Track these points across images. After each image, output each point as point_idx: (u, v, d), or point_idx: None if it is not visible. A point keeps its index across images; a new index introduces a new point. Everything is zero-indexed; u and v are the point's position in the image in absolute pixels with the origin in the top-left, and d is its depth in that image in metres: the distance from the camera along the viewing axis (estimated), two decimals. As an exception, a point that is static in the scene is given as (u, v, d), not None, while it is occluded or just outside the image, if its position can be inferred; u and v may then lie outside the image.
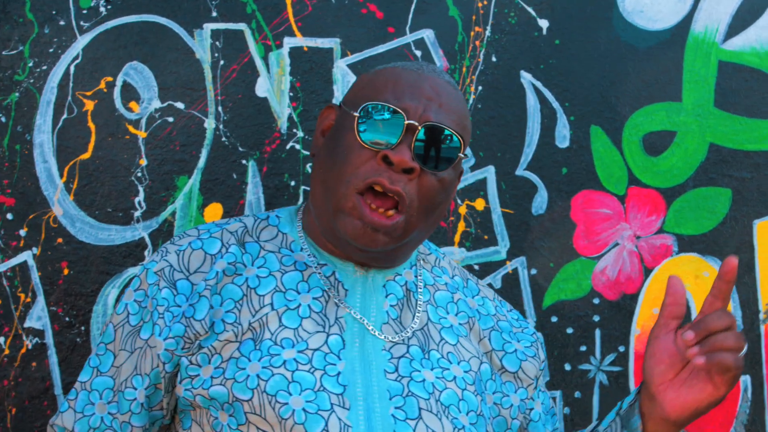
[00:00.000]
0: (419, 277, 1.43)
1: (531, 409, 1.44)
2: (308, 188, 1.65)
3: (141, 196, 1.58)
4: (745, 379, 1.89)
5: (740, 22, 1.92)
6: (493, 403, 1.39)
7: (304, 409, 1.24)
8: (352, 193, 1.28)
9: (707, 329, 1.21)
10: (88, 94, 1.57)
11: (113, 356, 1.34)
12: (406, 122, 1.28)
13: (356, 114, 1.29)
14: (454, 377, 1.34)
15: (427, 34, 1.73)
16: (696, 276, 1.88)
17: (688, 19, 1.89)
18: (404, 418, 1.27)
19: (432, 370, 1.33)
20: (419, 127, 1.28)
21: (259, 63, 1.64)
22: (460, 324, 1.41)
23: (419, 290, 1.41)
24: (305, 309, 1.32)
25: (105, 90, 1.57)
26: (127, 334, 1.33)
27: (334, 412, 1.25)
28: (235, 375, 1.25)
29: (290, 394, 1.24)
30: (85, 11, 1.57)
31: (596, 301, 1.82)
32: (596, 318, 1.82)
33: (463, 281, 1.48)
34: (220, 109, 1.62)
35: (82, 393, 1.34)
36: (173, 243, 1.37)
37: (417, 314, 1.38)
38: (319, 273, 1.36)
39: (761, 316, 1.91)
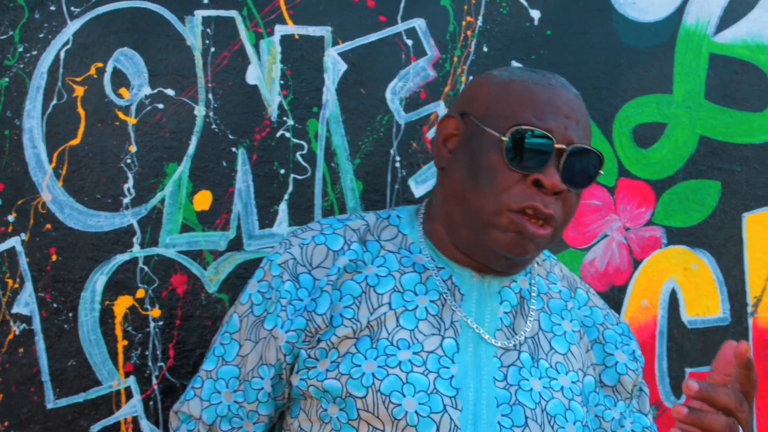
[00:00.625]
0: (533, 285, 1.51)
1: (622, 426, 1.50)
2: (298, 176, 1.73)
3: (130, 183, 1.66)
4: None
5: (732, 14, 2.02)
6: (594, 415, 1.47)
7: (416, 412, 1.32)
8: (504, 211, 1.36)
9: (707, 404, 1.16)
10: (78, 80, 1.64)
11: (238, 346, 1.43)
12: (556, 146, 1.36)
13: (504, 138, 1.36)
14: (561, 387, 1.42)
15: (419, 24, 1.81)
16: (685, 268, 1.97)
17: (680, 11, 1.98)
18: (510, 426, 1.35)
19: (540, 379, 1.41)
20: (566, 150, 1.36)
21: (250, 50, 1.71)
22: (573, 331, 1.50)
23: (533, 298, 1.49)
24: (422, 311, 1.41)
25: (95, 76, 1.64)
26: (251, 324, 1.42)
27: (446, 413, 1.33)
28: (350, 371, 1.34)
29: (404, 396, 1.32)
30: (75, -4, 1.65)
31: (585, 292, 1.91)
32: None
33: (571, 291, 1.56)
34: (210, 96, 1.69)
35: (208, 381, 1.44)
36: (296, 236, 1.46)
37: (529, 322, 1.46)
38: (437, 276, 1.44)
39: (749, 309, 2.02)
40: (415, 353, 1.36)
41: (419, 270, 1.44)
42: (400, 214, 1.52)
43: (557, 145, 1.36)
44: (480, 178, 1.38)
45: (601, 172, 1.43)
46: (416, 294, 1.42)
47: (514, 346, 1.42)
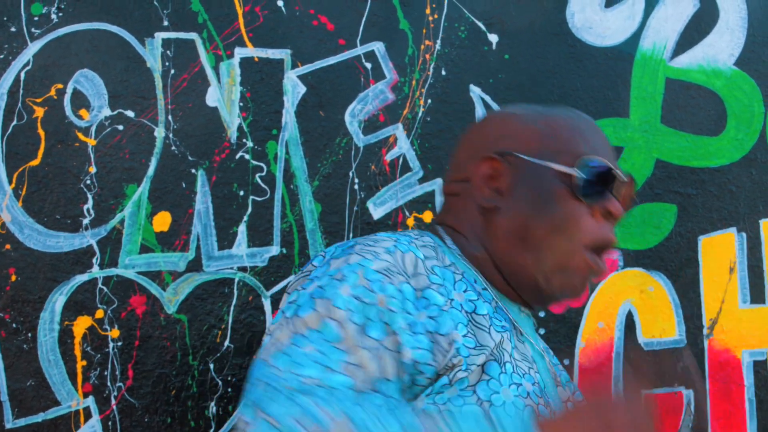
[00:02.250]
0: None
1: None
2: (257, 198, 1.99)
3: (90, 204, 1.90)
4: (688, 393, 2.29)
5: (688, 40, 2.32)
6: None
7: None
8: (579, 249, 1.51)
9: None
10: (39, 100, 1.87)
11: (345, 354, 1.37)
12: (618, 176, 1.55)
13: (574, 172, 1.52)
14: None
15: (378, 47, 2.08)
16: (641, 291, 2.27)
17: (636, 36, 2.28)
18: None
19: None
20: (625, 179, 1.57)
21: (209, 73, 1.97)
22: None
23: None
24: (513, 340, 1.53)
25: (55, 97, 1.89)
26: (355, 332, 1.37)
27: None
28: (491, 397, 1.42)
29: None
30: (36, 18, 1.87)
31: (542, 314, 2.19)
32: (542, 331, 2.17)
33: None
34: (170, 118, 1.95)
35: (321, 390, 1.34)
36: (374, 245, 1.45)
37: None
38: (500, 307, 1.55)
39: (705, 331, 2.32)
40: (532, 384, 1.49)
41: (487, 299, 1.53)
42: (440, 248, 1.56)
43: (617, 173, 1.55)
44: (549, 215, 1.52)
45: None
46: (500, 321, 1.52)
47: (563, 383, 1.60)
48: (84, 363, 1.87)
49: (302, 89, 2.01)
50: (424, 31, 2.10)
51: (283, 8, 1.99)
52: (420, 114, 2.08)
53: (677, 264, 2.29)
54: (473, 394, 1.42)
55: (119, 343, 1.89)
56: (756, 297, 2.33)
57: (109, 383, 1.88)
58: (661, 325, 2.27)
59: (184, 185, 1.93)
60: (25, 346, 1.85)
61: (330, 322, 1.40)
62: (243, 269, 1.95)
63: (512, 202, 1.56)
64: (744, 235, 2.33)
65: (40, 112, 1.87)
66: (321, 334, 1.39)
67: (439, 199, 2.09)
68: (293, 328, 1.40)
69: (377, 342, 1.38)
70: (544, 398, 1.51)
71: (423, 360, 1.39)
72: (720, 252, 2.32)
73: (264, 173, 1.98)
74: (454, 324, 1.43)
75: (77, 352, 1.87)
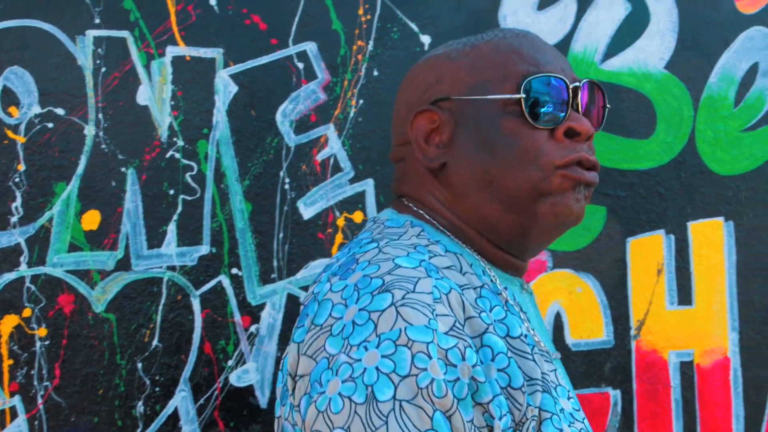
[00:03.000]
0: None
1: None
2: (187, 197, 2.14)
3: (18, 202, 2.02)
4: (615, 394, 2.48)
5: (619, 43, 2.50)
6: None
7: None
8: (552, 172, 1.42)
9: None
10: (-34, 97, 2.02)
11: None
12: (571, 86, 1.44)
13: (521, 96, 1.42)
14: None
15: (310, 47, 2.23)
16: (569, 292, 2.45)
17: (568, 38, 2.45)
18: None
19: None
20: (580, 85, 1.46)
21: (141, 71, 2.11)
22: None
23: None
24: (535, 344, 1.43)
25: (-17, 94, 2.03)
26: (463, 419, 1.25)
27: None
28: None
29: None
30: (-36, 13, 2.01)
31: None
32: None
33: None
34: (100, 116, 2.07)
35: None
36: (417, 292, 1.29)
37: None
38: (506, 296, 1.47)
39: (632, 332, 2.51)
40: (568, 398, 1.45)
41: (496, 293, 1.46)
42: (426, 230, 1.50)
43: (572, 85, 1.45)
44: (505, 153, 1.43)
45: (609, 105, 1.53)
46: (519, 327, 1.42)
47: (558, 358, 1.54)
48: (11, 362, 1.99)
49: (234, 88, 2.15)
50: (356, 31, 2.26)
51: (215, 7, 2.13)
52: (351, 114, 2.24)
53: (606, 265, 2.47)
54: None
55: (47, 342, 2.01)
56: (683, 299, 2.53)
57: (35, 382, 2.01)
58: (589, 326, 2.46)
59: (113, 184, 2.06)
60: (-49, 344, 1.97)
61: (439, 416, 1.22)
62: (172, 268, 2.09)
63: (460, 151, 1.48)
64: (672, 237, 2.52)
65: (-33, 108, 1.99)
66: (419, 420, 1.21)
67: (370, 200, 2.25)
68: (379, 415, 1.20)
69: (470, 423, 1.26)
70: (579, 409, 1.46)
71: (506, 426, 1.29)
72: (648, 254, 2.51)
73: (194, 172, 2.12)
74: (518, 366, 1.33)
75: (4, 351, 1.99)
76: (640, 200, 2.50)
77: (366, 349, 1.24)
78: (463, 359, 1.26)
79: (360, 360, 1.23)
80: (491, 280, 1.47)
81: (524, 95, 1.43)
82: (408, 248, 1.39)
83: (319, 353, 1.30)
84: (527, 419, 1.31)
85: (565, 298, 2.43)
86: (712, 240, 2.56)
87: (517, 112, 1.45)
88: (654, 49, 2.52)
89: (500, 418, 1.28)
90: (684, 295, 2.53)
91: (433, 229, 1.50)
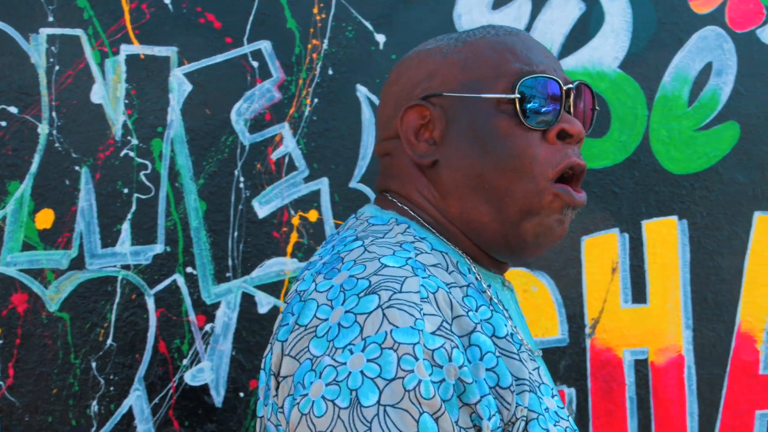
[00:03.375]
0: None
1: None
2: (141, 196, 2.21)
3: (-30, 201, 2.10)
4: (570, 392, 2.58)
5: (573, 42, 2.59)
6: None
7: None
8: (545, 186, 1.44)
9: None
10: None
11: None
12: (564, 87, 1.46)
13: (513, 97, 1.44)
14: None
15: (265, 46, 2.30)
16: (524, 290, 2.54)
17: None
18: None
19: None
20: (573, 87, 1.48)
21: (95, 69, 2.17)
22: None
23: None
24: (521, 342, 1.45)
25: (-65, 92, 2.09)
26: (451, 419, 1.27)
27: None
28: None
29: None
30: None
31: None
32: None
33: None
34: (54, 114, 2.14)
35: None
36: (403, 291, 1.30)
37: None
38: (491, 296, 1.48)
39: (587, 330, 2.61)
40: (552, 397, 1.46)
41: (481, 291, 1.48)
42: (414, 229, 1.50)
43: (565, 87, 1.47)
44: (498, 154, 1.45)
45: (598, 108, 1.57)
46: (505, 325, 1.44)
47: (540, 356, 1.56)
48: (-36, 361, 2.06)
49: (188, 87, 2.22)
50: (311, 30, 2.34)
51: (169, 5, 2.21)
52: (306, 113, 2.32)
53: (560, 264, 2.57)
54: None
55: (0, 342, 2.08)
56: (637, 297, 2.63)
57: (-11, 381, 2.07)
58: (544, 325, 2.55)
59: (67, 182, 2.13)
60: None
61: (426, 419, 1.24)
62: (126, 267, 2.16)
63: (452, 150, 1.50)
64: (626, 235, 2.63)
65: None
66: (404, 424, 1.23)
67: (325, 199, 2.33)
68: (363, 421, 1.22)
69: (457, 426, 1.27)
70: (564, 406, 1.48)
71: (495, 426, 1.31)
72: (602, 252, 2.62)
73: (149, 171, 2.19)
74: (506, 366, 1.36)
75: (-43, 350, 2.06)
76: (595, 199, 2.60)
77: (351, 352, 1.25)
78: (450, 360, 1.27)
79: (345, 363, 1.25)
80: (476, 279, 1.49)
81: (518, 95, 1.45)
82: (394, 246, 1.40)
83: (303, 354, 1.31)
84: (517, 419, 1.33)
85: (520, 297, 2.53)
86: (666, 238, 2.67)
87: (510, 112, 1.46)
88: (608, 48, 2.62)
89: (489, 419, 1.29)
90: (638, 294, 2.63)
91: (418, 226, 1.51)
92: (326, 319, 1.30)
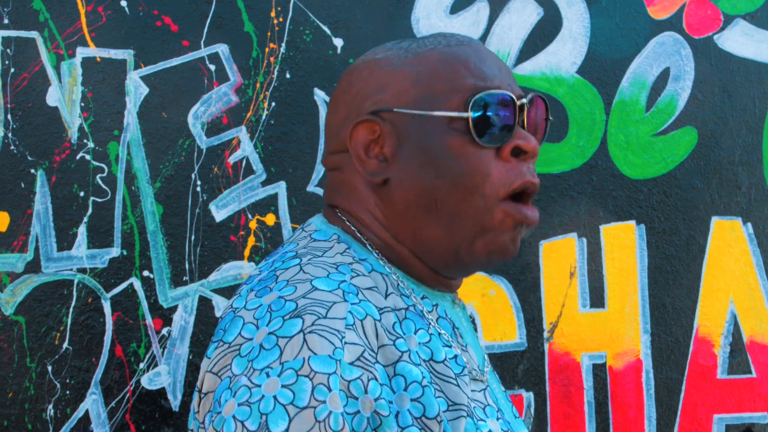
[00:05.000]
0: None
1: None
2: (97, 199, 2.27)
3: (-75, 203, 2.15)
4: (529, 396, 2.67)
5: (531, 47, 2.68)
6: None
7: None
8: (495, 204, 1.45)
9: None
10: None
11: None
12: (518, 102, 1.47)
13: (465, 115, 1.45)
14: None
15: (222, 49, 2.37)
16: (482, 294, 2.63)
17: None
18: None
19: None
20: (526, 101, 1.48)
21: (50, 72, 2.24)
22: None
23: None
24: (464, 365, 1.48)
25: None
26: None
27: None
28: None
29: None
30: None
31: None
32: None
33: None
34: (9, 117, 2.19)
35: None
36: (329, 317, 1.32)
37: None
38: (436, 316, 1.51)
39: (545, 334, 2.70)
40: (495, 419, 1.48)
41: (421, 315, 1.48)
42: (352, 247, 1.52)
43: (519, 102, 1.47)
44: (451, 174, 1.45)
45: (551, 118, 1.57)
46: (450, 347, 1.47)
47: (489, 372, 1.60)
48: None
49: (145, 90, 2.29)
50: (269, 34, 2.42)
51: (126, 8, 2.28)
52: (264, 117, 2.39)
53: (519, 268, 2.66)
54: None
55: (-46, 345, 2.14)
56: (595, 301, 2.72)
57: (-57, 385, 2.13)
58: (503, 329, 2.64)
59: (23, 185, 2.19)
60: None
61: None
62: (83, 271, 2.22)
63: (403, 168, 1.49)
64: (584, 240, 2.72)
65: None
66: None
67: (282, 202, 2.41)
68: None
69: None
70: (510, 427, 1.51)
71: None
72: (561, 257, 2.71)
73: (105, 174, 2.25)
74: (435, 398, 1.36)
75: None
76: (553, 204, 2.69)
77: (268, 375, 1.27)
78: (366, 392, 1.28)
79: (260, 386, 1.27)
80: (421, 299, 1.51)
81: (471, 114, 1.45)
82: (329, 268, 1.41)
83: (224, 371, 1.34)
84: None
85: (478, 301, 2.61)
86: (624, 243, 2.76)
87: (463, 129, 1.46)
88: (566, 53, 2.72)
89: None
90: (596, 298, 2.73)
91: (360, 247, 1.53)
92: (251, 339, 1.32)
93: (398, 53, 1.54)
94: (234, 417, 1.26)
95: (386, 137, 1.51)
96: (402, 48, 1.55)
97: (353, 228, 1.55)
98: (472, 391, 1.48)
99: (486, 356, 1.64)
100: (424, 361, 1.40)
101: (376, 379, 1.30)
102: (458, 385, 1.41)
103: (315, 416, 1.24)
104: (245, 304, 1.40)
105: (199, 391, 1.41)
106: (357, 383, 1.28)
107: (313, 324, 1.30)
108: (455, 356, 1.47)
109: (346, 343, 1.30)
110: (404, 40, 1.60)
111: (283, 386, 1.25)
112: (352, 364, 1.29)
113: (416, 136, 1.49)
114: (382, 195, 1.52)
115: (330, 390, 1.26)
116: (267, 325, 1.32)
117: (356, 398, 1.28)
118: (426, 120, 1.48)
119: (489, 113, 1.46)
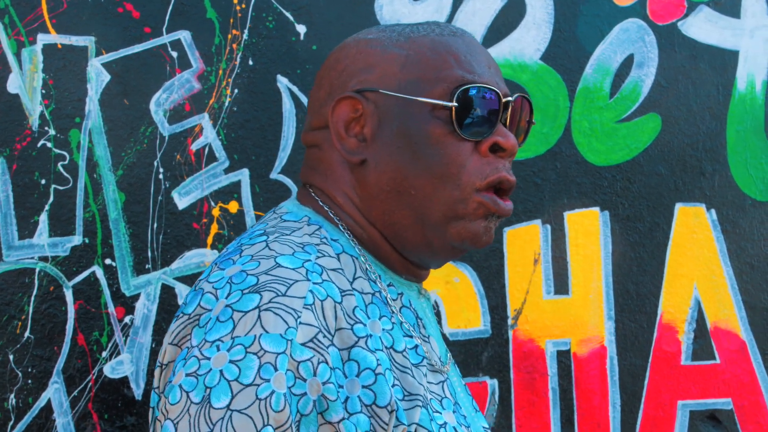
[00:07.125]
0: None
1: None
2: (59, 187, 2.33)
3: None
4: (493, 383, 2.74)
5: (495, 34, 2.75)
6: None
7: None
8: (471, 194, 1.50)
9: None
10: None
11: None
12: (503, 100, 1.51)
13: (451, 104, 1.48)
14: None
15: (184, 36, 2.42)
16: (446, 281, 2.70)
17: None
18: None
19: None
20: (511, 100, 1.53)
21: (11, 59, 2.28)
22: None
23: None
24: (424, 356, 1.51)
25: None
26: None
27: None
28: None
29: None
30: None
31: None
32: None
33: None
34: (-31, 104, 2.26)
35: None
36: (287, 295, 1.34)
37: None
38: (400, 304, 1.55)
39: (509, 321, 2.78)
40: (454, 413, 1.51)
41: (386, 303, 1.52)
42: (322, 225, 1.54)
43: (504, 99, 1.52)
44: (428, 162, 1.48)
45: (534, 121, 1.62)
46: (411, 336, 1.51)
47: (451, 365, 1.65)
48: None
49: (106, 77, 2.34)
50: (231, 20, 2.48)
51: (87, -5, 2.33)
52: (226, 104, 2.45)
53: (483, 255, 2.73)
54: None
55: None
56: (559, 288, 2.81)
57: None
58: (467, 316, 2.72)
59: (-17, 173, 2.24)
60: None
61: (257, 418, 1.28)
62: (44, 259, 2.27)
63: (381, 150, 1.53)
64: (548, 227, 2.80)
65: None
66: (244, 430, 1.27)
67: (245, 190, 2.47)
68: (207, 421, 1.27)
69: None
70: (467, 423, 1.55)
71: None
72: (525, 244, 2.79)
73: (66, 162, 2.30)
74: (390, 386, 1.38)
75: None
76: (517, 190, 2.76)
77: (218, 348, 1.30)
78: (314, 375, 1.31)
79: (209, 359, 1.30)
80: (387, 286, 1.55)
81: (456, 104, 1.49)
82: (296, 246, 1.44)
83: (184, 341, 1.39)
84: None
85: (442, 288, 2.69)
86: (588, 230, 2.84)
87: (445, 119, 1.50)
88: (530, 40, 2.79)
89: None
90: (561, 285, 2.81)
91: (333, 227, 1.56)
92: (210, 309, 1.37)
93: (390, 35, 1.58)
94: (180, 386, 1.30)
95: (368, 117, 1.54)
96: (395, 31, 1.59)
97: (326, 208, 1.58)
98: (430, 383, 1.51)
99: (448, 350, 1.68)
100: (386, 347, 1.43)
101: (327, 363, 1.32)
102: (414, 376, 1.44)
103: (257, 394, 1.26)
104: (208, 276, 1.44)
105: (161, 365, 1.45)
106: (306, 365, 1.31)
107: (270, 301, 1.32)
108: (415, 346, 1.51)
109: (300, 323, 1.32)
110: (399, 24, 1.64)
111: (230, 361, 1.28)
112: (304, 344, 1.31)
113: (398, 120, 1.52)
114: (357, 176, 1.56)
115: (276, 369, 1.28)
116: (226, 298, 1.35)
117: (304, 380, 1.30)
118: (409, 105, 1.52)
119: (473, 106, 1.50)
